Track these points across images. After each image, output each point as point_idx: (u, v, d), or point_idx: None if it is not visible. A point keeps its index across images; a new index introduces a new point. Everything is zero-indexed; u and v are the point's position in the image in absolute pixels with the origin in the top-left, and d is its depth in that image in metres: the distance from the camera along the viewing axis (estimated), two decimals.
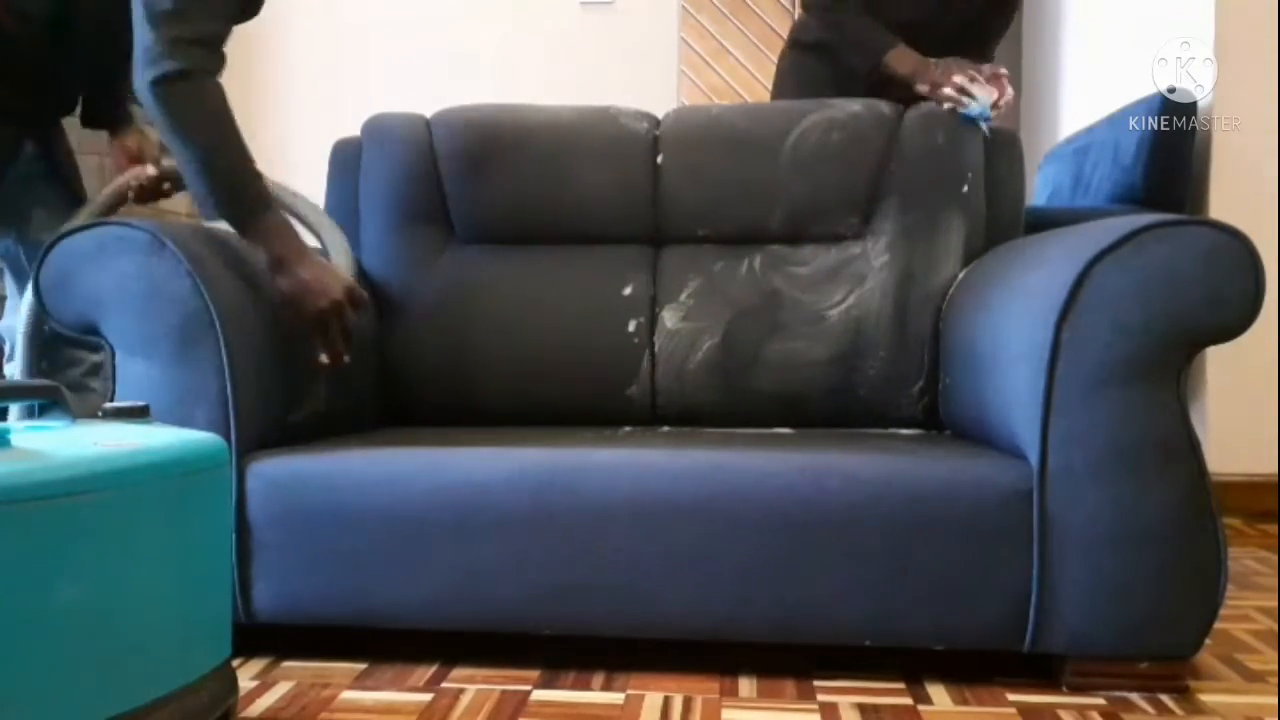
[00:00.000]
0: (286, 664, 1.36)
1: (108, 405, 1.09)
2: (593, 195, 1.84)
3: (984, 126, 1.72)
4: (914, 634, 1.25)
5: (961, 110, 1.72)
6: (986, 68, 1.77)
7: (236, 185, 1.36)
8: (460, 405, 1.78)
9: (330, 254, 1.55)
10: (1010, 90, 1.74)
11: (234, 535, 1.31)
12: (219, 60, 1.36)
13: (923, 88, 1.81)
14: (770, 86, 2.26)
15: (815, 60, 2.10)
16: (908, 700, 1.23)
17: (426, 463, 1.32)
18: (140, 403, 1.11)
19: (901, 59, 1.84)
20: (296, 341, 1.42)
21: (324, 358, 1.42)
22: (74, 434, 1.00)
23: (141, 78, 1.31)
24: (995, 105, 1.73)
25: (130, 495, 0.94)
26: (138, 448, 0.97)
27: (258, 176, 1.39)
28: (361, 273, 1.70)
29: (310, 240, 1.52)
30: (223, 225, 1.38)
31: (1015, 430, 1.26)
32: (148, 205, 1.65)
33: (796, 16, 2.20)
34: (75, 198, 1.74)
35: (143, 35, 1.31)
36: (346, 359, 1.44)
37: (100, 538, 0.91)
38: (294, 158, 1.52)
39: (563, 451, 1.32)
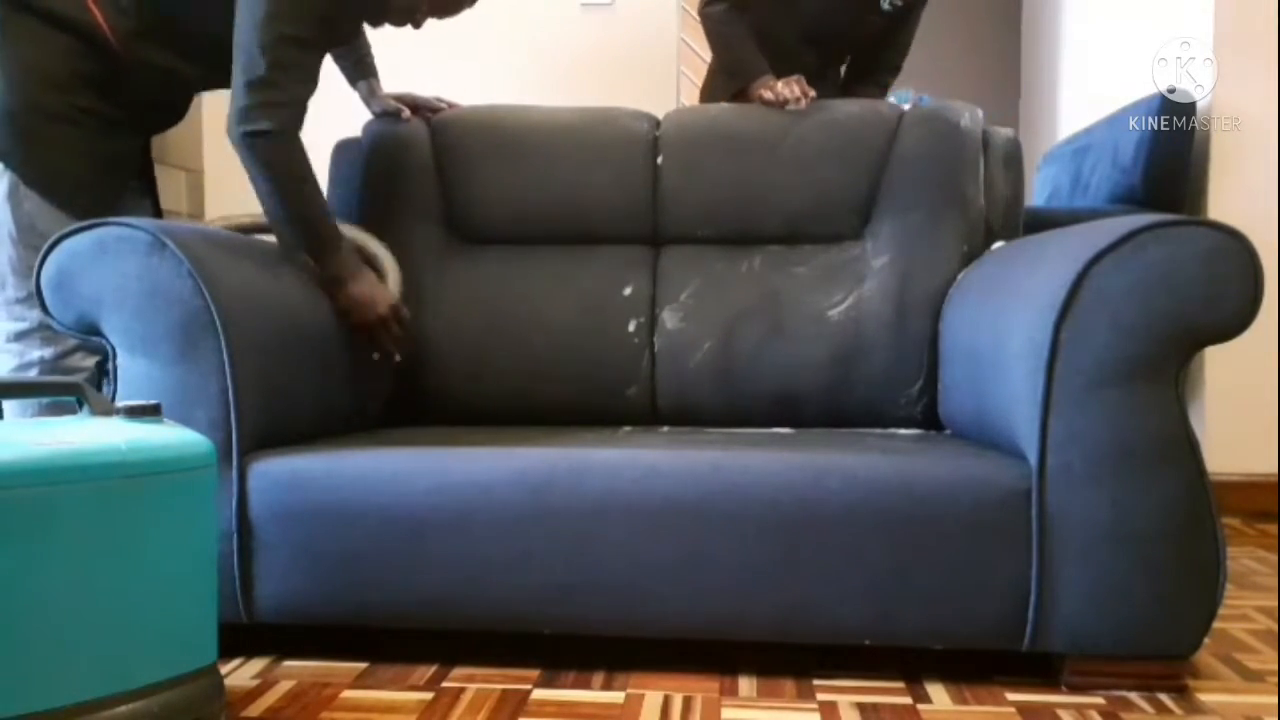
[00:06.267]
0: (287, 663, 1.36)
1: (122, 403, 1.09)
2: (593, 195, 1.85)
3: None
4: (913, 633, 1.25)
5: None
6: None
7: (310, 225, 1.58)
8: (461, 405, 1.78)
9: (385, 277, 1.72)
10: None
11: (234, 536, 1.32)
12: (302, 118, 1.55)
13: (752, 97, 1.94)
14: None
15: (733, 83, 2.19)
16: (907, 699, 1.23)
17: (427, 462, 1.32)
18: (153, 401, 1.11)
19: (765, 87, 1.91)
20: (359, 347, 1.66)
21: (375, 355, 1.67)
22: (52, 431, 1.00)
23: (233, 131, 1.50)
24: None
25: (70, 494, 0.95)
26: (92, 447, 0.98)
27: (329, 217, 1.61)
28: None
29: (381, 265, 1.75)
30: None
31: (1014, 430, 1.26)
32: None
33: None
34: (157, 207, 1.81)
35: (237, 93, 1.50)
36: (397, 358, 1.69)
37: (33, 532, 0.93)
38: None
39: (563, 451, 1.32)
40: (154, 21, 1.59)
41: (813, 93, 1.86)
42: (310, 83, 1.56)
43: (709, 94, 2.31)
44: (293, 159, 1.54)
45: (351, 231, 1.74)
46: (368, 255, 1.74)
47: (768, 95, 1.87)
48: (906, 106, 1.86)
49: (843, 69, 2.31)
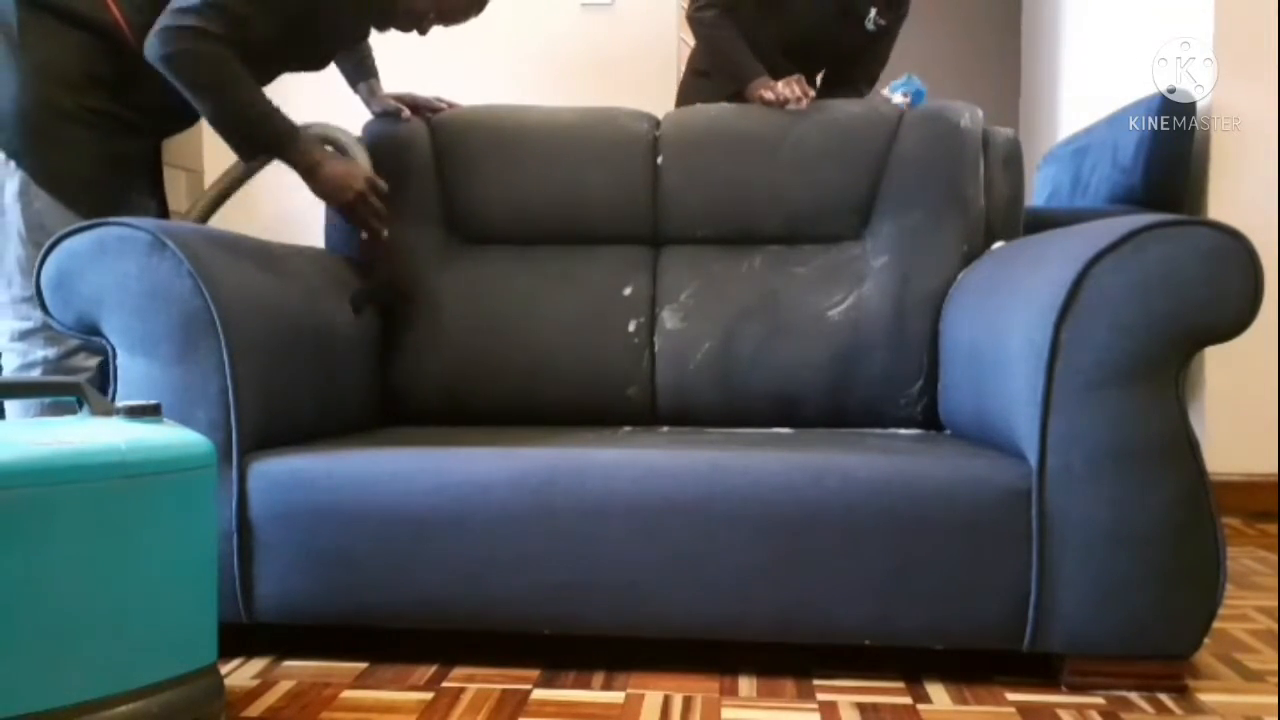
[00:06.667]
0: (287, 663, 1.36)
1: (122, 403, 1.09)
2: (593, 196, 1.85)
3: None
4: (913, 633, 1.25)
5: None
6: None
7: (256, 122, 1.57)
8: (461, 405, 1.78)
9: (354, 157, 1.75)
10: None
11: (234, 536, 1.32)
12: (230, 51, 1.52)
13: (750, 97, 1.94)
14: None
15: (709, 84, 2.21)
16: (907, 699, 1.23)
17: (427, 462, 1.32)
18: (152, 401, 1.12)
19: (765, 87, 1.91)
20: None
21: (364, 235, 1.68)
22: (49, 431, 1.00)
23: (154, 42, 1.50)
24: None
25: (69, 494, 0.95)
26: (88, 448, 0.98)
27: (272, 109, 1.59)
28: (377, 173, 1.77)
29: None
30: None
31: (1014, 430, 1.26)
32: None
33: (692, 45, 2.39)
34: (164, 208, 1.82)
35: (164, 15, 1.50)
36: (385, 232, 1.69)
37: (32, 532, 0.93)
38: None
39: (563, 451, 1.32)
40: None
41: (812, 93, 1.87)
42: (238, 33, 1.52)
43: (688, 95, 2.31)
44: (219, 57, 1.51)
45: (312, 127, 1.74)
46: (333, 144, 1.75)
47: (768, 95, 1.87)
48: (898, 97, 1.87)
49: (818, 77, 2.33)
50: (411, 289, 1.80)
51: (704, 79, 2.26)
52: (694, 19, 2.16)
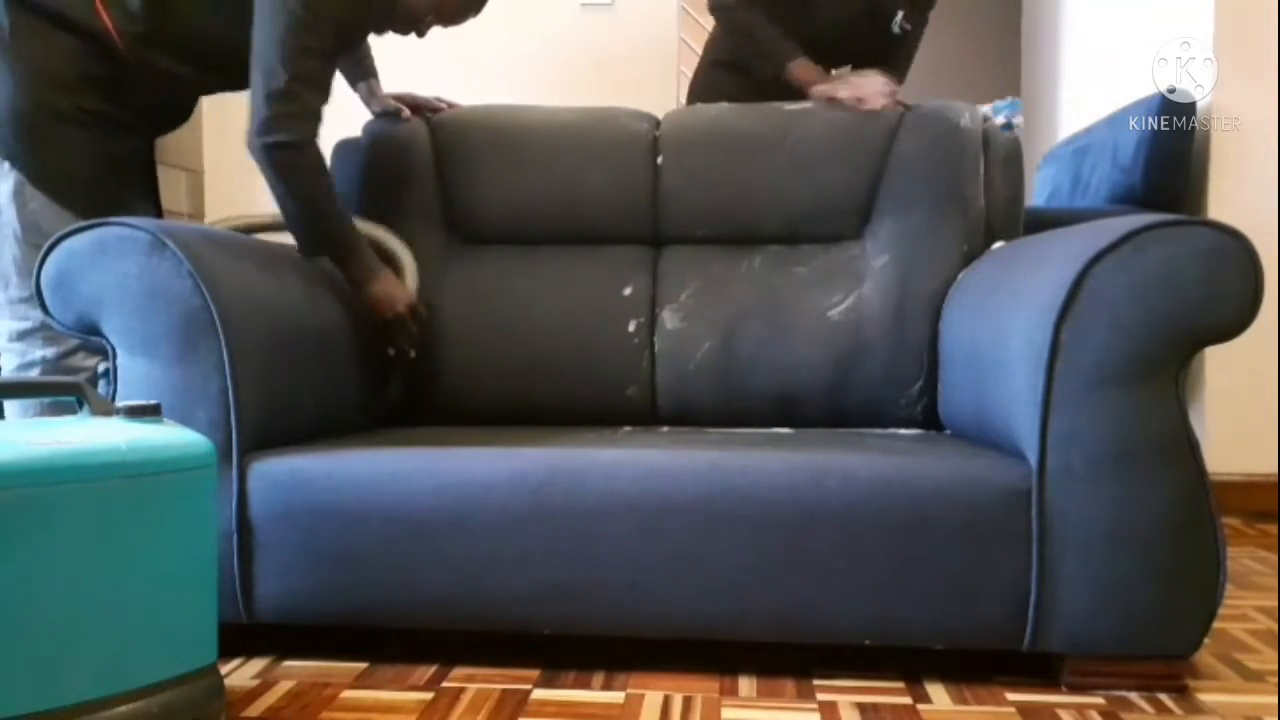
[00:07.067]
0: (287, 663, 1.36)
1: (122, 403, 1.09)
2: (593, 196, 1.85)
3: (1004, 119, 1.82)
4: (913, 633, 1.25)
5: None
6: (879, 82, 1.86)
7: (329, 231, 1.61)
8: (460, 405, 1.78)
9: (403, 275, 1.75)
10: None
11: (234, 536, 1.32)
12: (319, 126, 1.57)
13: (819, 97, 1.90)
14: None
15: (729, 77, 2.20)
16: (907, 699, 1.23)
17: (427, 462, 1.32)
18: (152, 401, 1.12)
19: (805, 69, 1.92)
20: (374, 343, 1.70)
21: (390, 352, 1.69)
22: (48, 431, 1.00)
23: (253, 141, 1.52)
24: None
25: (69, 494, 0.95)
26: (87, 447, 0.98)
27: (345, 220, 1.64)
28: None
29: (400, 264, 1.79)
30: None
31: (1014, 430, 1.26)
32: None
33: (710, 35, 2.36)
34: (158, 208, 1.83)
35: (256, 104, 1.52)
36: (412, 354, 1.71)
37: (32, 532, 0.93)
38: None
39: (563, 451, 1.32)
40: (161, 27, 1.59)
41: (900, 90, 1.84)
42: (326, 92, 1.58)
43: (706, 89, 2.27)
44: (313, 168, 1.56)
45: (369, 228, 1.76)
46: (385, 252, 1.75)
47: (844, 95, 1.83)
48: (1001, 119, 1.86)
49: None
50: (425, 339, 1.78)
51: (723, 71, 2.22)
52: (716, 6, 2.14)
